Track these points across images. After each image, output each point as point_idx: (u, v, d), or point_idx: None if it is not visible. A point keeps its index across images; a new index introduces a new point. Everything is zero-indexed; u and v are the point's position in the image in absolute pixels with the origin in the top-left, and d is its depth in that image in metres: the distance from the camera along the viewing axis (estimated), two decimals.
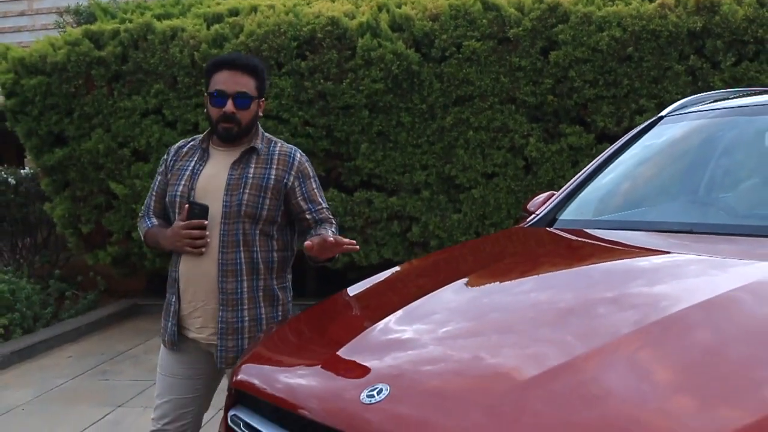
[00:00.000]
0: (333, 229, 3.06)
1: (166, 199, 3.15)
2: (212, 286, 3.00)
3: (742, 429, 1.49)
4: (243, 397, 2.26)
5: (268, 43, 6.86)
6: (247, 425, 2.14)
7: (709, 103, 3.50)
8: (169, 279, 3.14)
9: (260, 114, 3.09)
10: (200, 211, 2.98)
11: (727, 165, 3.16)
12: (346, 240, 2.80)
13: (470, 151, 6.89)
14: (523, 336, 1.99)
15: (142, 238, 3.26)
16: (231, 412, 2.25)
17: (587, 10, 6.65)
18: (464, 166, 6.91)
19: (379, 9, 7.11)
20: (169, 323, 3.09)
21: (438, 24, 6.83)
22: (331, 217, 3.13)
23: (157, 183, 3.23)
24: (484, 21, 6.74)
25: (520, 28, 6.68)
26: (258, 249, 3.03)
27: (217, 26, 7.10)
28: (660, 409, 1.58)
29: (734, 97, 3.54)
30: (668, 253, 2.63)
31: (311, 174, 3.14)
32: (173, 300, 3.10)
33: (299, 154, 3.13)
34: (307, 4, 7.38)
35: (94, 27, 7.38)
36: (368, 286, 2.84)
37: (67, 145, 7.42)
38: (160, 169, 3.23)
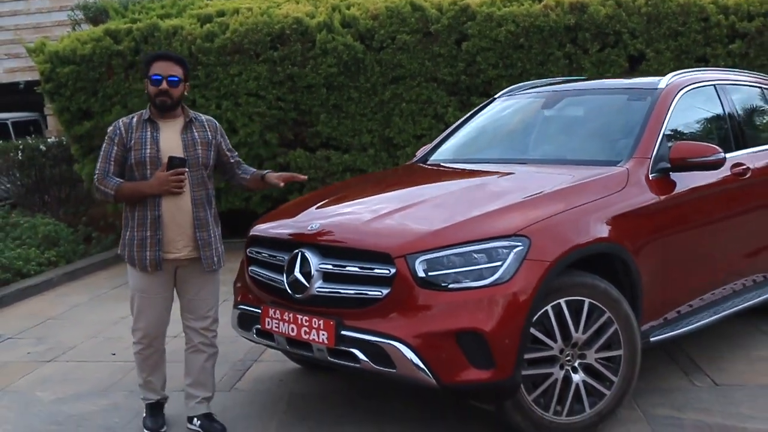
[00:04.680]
0: (245, 165, 4.33)
1: (132, 162, 3.92)
2: (188, 216, 3.97)
3: (471, 218, 3.71)
4: (255, 240, 4.41)
5: (248, 38, 8.91)
6: (257, 252, 4.30)
7: (526, 89, 5.68)
8: (146, 220, 3.93)
9: (186, 94, 4.03)
10: (180, 162, 3.86)
11: (525, 126, 5.34)
12: (300, 176, 4.31)
13: (404, 118, 8.98)
14: (387, 203, 4.16)
15: (111, 192, 3.92)
16: (248, 249, 4.42)
17: (490, 11, 8.72)
18: (400, 130, 9.01)
19: (333, 10, 9.18)
20: (148, 252, 3.93)
21: (377, 22, 8.87)
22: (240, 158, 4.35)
23: (113, 152, 3.96)
24: (412, 19, 8.81)
25: (440, 25, 8.74)
26: (208, 188, 4.07)
27: (208, 25, 9.14)
28: (454, 215, 3.81)
29: (542, 86, 5.68)
30: (479, 171, 4.82)
31: (224, 133, 4.26)
32: (148, 234, 3.92)
33: (215, 121, 4.22)
34: (277, 6, 9.42)
35: (111, 26, 9.39)
36: (322, 189, 5.14)
37: (92, 119, 9.46)
38: (115, 140, 3.96)
